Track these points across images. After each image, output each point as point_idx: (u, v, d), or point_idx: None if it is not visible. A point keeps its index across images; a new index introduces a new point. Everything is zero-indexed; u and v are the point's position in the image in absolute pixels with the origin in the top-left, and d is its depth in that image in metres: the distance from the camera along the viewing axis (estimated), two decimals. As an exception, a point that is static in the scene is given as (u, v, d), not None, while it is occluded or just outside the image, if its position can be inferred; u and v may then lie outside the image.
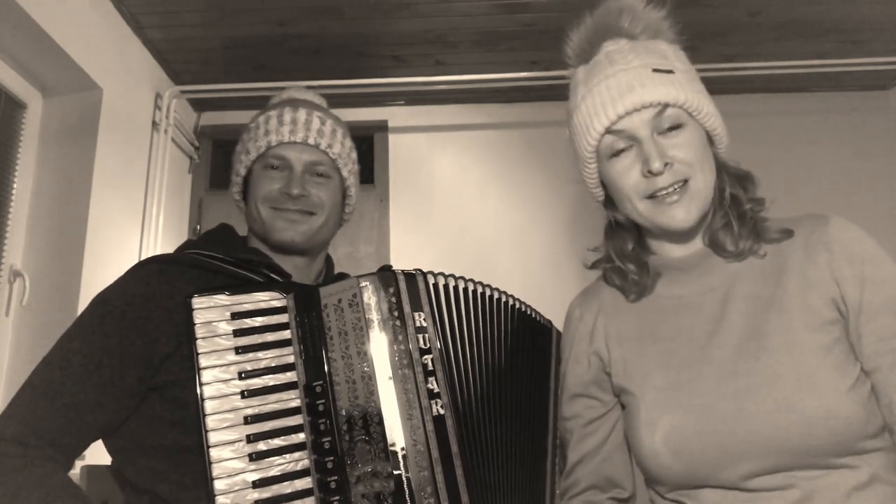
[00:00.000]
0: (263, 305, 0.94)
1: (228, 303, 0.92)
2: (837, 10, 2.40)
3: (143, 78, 2.48)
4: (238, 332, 0.91)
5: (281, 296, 0.95)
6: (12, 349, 1.97)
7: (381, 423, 0.87)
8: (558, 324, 1.16)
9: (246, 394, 0.88)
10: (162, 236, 2.46)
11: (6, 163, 2.01)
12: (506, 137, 2.92)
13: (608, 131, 0.97)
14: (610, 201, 1.06)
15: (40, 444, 0.92)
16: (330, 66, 2.64)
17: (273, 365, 0.91)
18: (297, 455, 0.87)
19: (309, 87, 1.33)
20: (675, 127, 0.95)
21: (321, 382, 0.89)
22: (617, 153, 0.97)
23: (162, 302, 1.01)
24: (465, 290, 1.01)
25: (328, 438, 0.87)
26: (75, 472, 1.02)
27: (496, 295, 1.05)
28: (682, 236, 1.01)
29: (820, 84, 2.85)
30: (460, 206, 2.84)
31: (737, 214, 0.99)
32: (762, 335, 0.91)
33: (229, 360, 0.89)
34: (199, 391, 0.86)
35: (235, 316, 0.92)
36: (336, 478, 0.85)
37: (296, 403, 0.89)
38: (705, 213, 0.98)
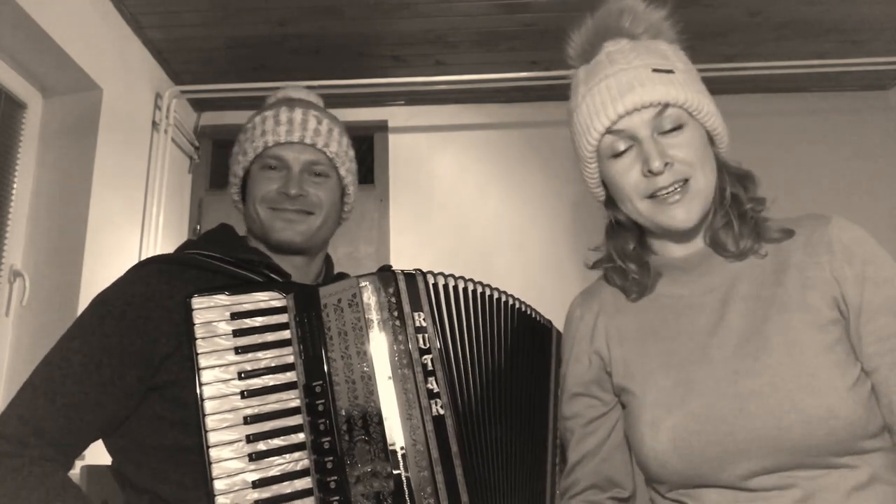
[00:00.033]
0: (263, 305, 0.94)
1: (228, 303, 0.92)
2: (837, 10, 2.39)
3: (143, 78, 2.48)
4: (238, 332, 0.91)
5: (280, 296, 0.95)
6: (12, 349, 1.97)
7: (380, 423, 0.87)
8: (558, 324, 1.16)
9: (246, 394, 0.88)
10: (162, 236, 2.46)
11: (6, 163, 2.01)
12: (506, 137, 2.92)
13: (608, 131, 0.97)
14: (611, 201, 1.06)
15: (40, 444, 0.92)
16: (330, 66, 2.64)
17: (273, 365, 0.91)
18: (296, 455, 0.87)
19: (309, 87, 1.32)
20: (676, 127, 0.95)
21: (321, 382, 0.89)
22: (617, 153, 0.97)
23: (162, 302, 1.01)
24: (465, 289, 1.01)
25: (328, 438, 0.87)
26: (75, 472, 1.02)
27: (496, 295, 1.05)
28: (683, 236, 1.01)
29: (820, 84, 2.85)
30: (460, 206, 2.84)
31: (738, 214, 0.99)
32: (763, 335, 0.91)
33: (229, 360, 0.89)
34: (198, 391, 0.87)
35: (235, 316, 0.92)
36: (336, 478, 0.85)
37: (295, 403, 0.89)
38: (706, 212, 0.98)
